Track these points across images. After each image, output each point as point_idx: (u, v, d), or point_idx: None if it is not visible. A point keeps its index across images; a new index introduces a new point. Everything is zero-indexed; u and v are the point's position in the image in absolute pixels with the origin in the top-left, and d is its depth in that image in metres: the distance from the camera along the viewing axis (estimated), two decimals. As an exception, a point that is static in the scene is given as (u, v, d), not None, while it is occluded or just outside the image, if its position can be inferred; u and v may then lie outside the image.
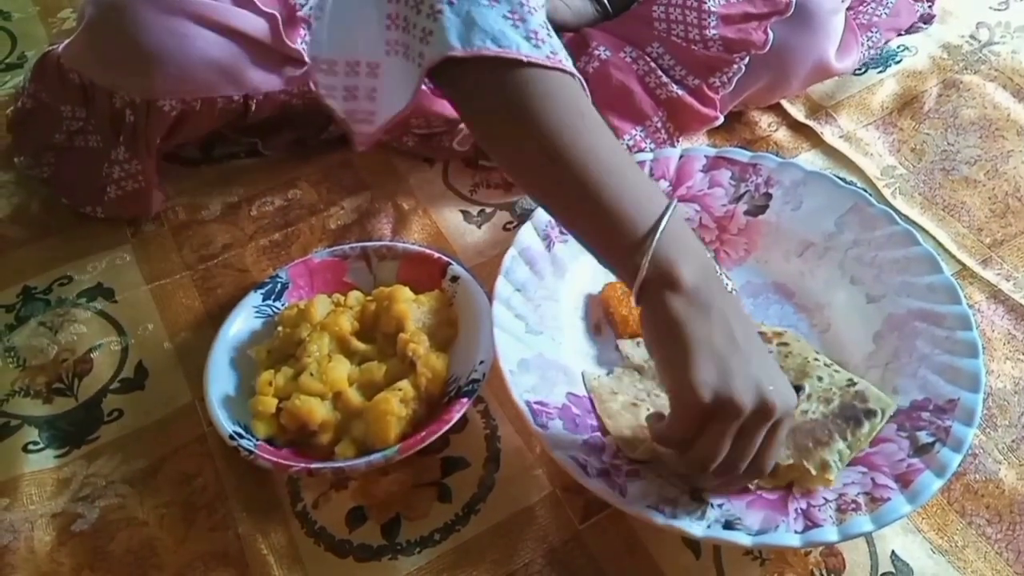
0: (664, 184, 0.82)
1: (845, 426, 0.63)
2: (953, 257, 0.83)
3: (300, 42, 0.82)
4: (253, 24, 0.80)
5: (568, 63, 0.60)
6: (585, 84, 0.62)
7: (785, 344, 0.68)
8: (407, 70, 0.62)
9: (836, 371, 0.67)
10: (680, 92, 0.89)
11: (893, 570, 0.63)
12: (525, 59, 0.57)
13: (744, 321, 0.57)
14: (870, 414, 0.63)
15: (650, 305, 0.57)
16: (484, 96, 0.60)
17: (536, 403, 0.66)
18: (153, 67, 0.78)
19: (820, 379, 0.66)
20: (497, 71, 0.58)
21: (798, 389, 0.62)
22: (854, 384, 0.65)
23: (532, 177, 0.61)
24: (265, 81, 0.82)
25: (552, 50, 0.59)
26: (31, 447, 0.72)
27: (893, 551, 0.64)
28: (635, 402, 0.69)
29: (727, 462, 0.56)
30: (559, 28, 0.93)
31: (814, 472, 0.61)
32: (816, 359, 0.68)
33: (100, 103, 0.83)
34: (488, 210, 0.89)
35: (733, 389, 0.54)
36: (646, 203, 0.57)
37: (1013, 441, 0.70)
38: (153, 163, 0.84)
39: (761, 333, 0.69)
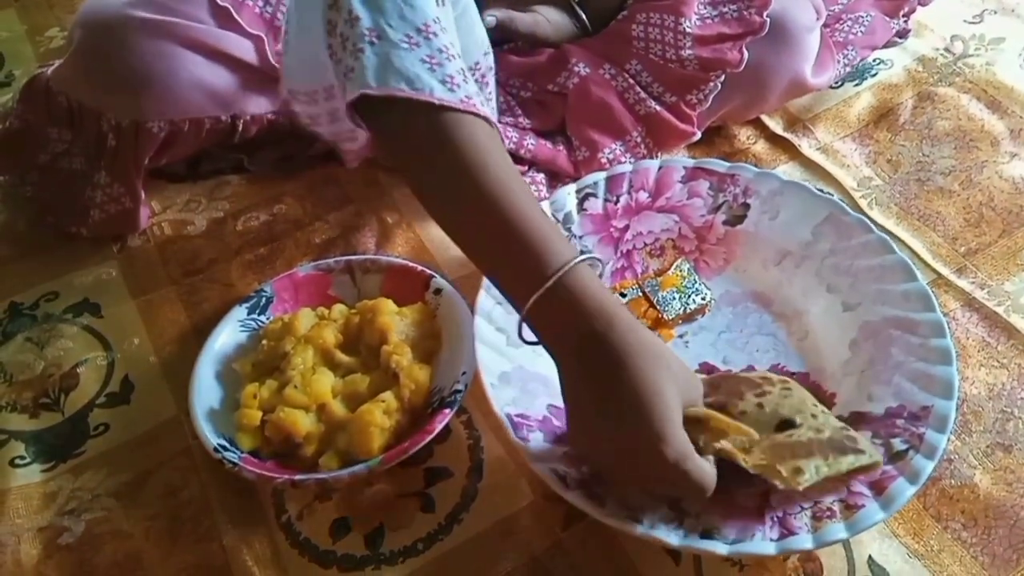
0: (644, 195, 0.83)
1: (829, 451, 0.61)
2: (928, 266, 0.85)
3: None
4: (241, 46, 0.82)
5: (483, 108, 0.61)
6: (501, 130, 0.64)
7: (788, 389, 0.66)
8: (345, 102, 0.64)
9: (831, 417, 0.65)
10: (658, 108, 0.91)
11: (870, 574, 0.64)
12: (437, 102, 0.58)
13: (637, 378, 0.55)
14: (856, 451, 0.61)
15: (549, 350, 0.59)
16: (398, 135, 0.61)
17: (517, 415, 0.66)
18: (142, 90, 0.79)
19: (814, 417, 0.64)
20: (411, 112, 0.59)
21: (790, 423, 0.63)
22: (848, 429, 0.63)
23: (441, 215, 0.62)
24: (254, 102, 0.84)
25: (467, 95, 0.60)
26: (17, 461, 0.73)
27: (870, 556, 0.65)
28: None
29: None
30: (540, 44, 0.95)
31: (784, 473, 0.59)
32: (815, 406, 0.66)
33: (87, 126, 0.84)
34: (471, 223, 0.90)
35: (627, 462, 0.57)
36: (554, 249, 0.57)
37: (988, 447, 0.71)
38: (139, 183, 0.85)
39: (765, 378, 0.67)
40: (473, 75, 0.70)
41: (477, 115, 0.60)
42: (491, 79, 0.80)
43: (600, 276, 0.63)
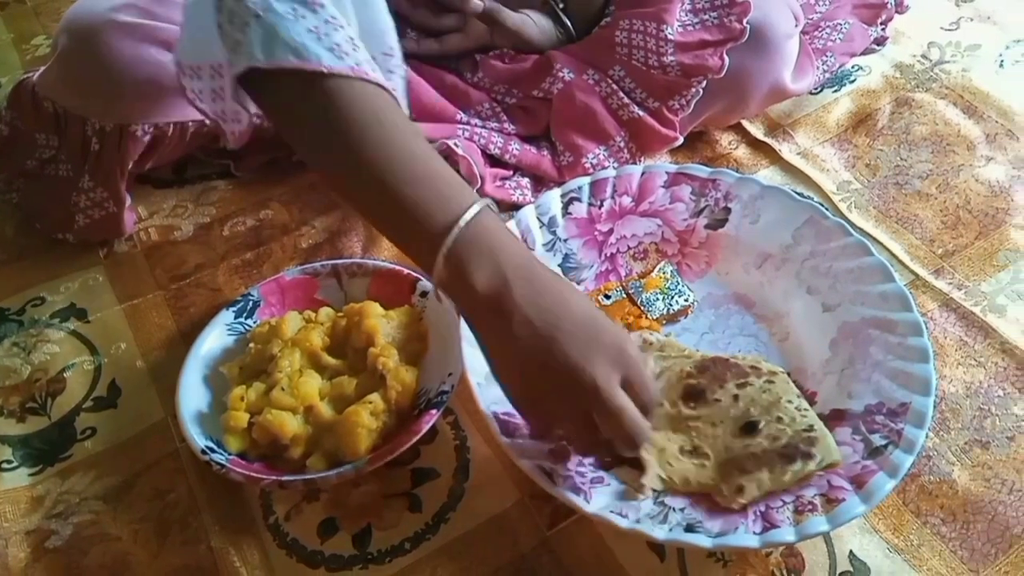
0: (627, 200, 0.84)
1: (776, 462, 0.64)
2: (906, 268, 0.86)
3: None
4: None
5: (376, 74, 0.60)
6: (398, 96, 0.63)
7: (770, 382, 0.69)
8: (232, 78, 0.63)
9: (804, 415, 0.67)
10: (641, 113, 0.92)
11: (851, 569, 0.65)
12: (327, 70, 0.58)
13: (555, 305, 0.57)
14: (806, 456, 0.63)
15: (458, 310, 0.60)
16: (290, 107, 0.61)
17: (504, 414, 0.67)
18: (125, 94, 0.80)
19: (780, 419, 0.66)
20: (301, 83, 0.58)
21: (753, 426, 0.65)
22: (812, 431, 0.65)
23: (339, 184, 0.62)
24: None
25: (356, 62, 0.59)
26: (5, 466, 0.73)
27: (851, 551, 0.66)
28: None
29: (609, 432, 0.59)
30: (524, 48, 0.96)
31: (726, 493, 0.63)
32: (790, 402, 0.68)
33: (72, 132, 0.84)
34: (457, 227, 0.91)
35: (549, 404, 0.58)
36: (451, 207, 0.57)
37: (966, 443, 0.73)
38: (123, 187, 0.86)
39: (753, 367, 0.70)
40: (385, 62, 0.70)
41: (368, 81, 0.59)
42: (399, 67, 0.77)
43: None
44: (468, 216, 0.57)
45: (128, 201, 0.88)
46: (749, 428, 0.66)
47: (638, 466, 0.64)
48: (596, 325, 0.58)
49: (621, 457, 0.63)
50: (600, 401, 0.56)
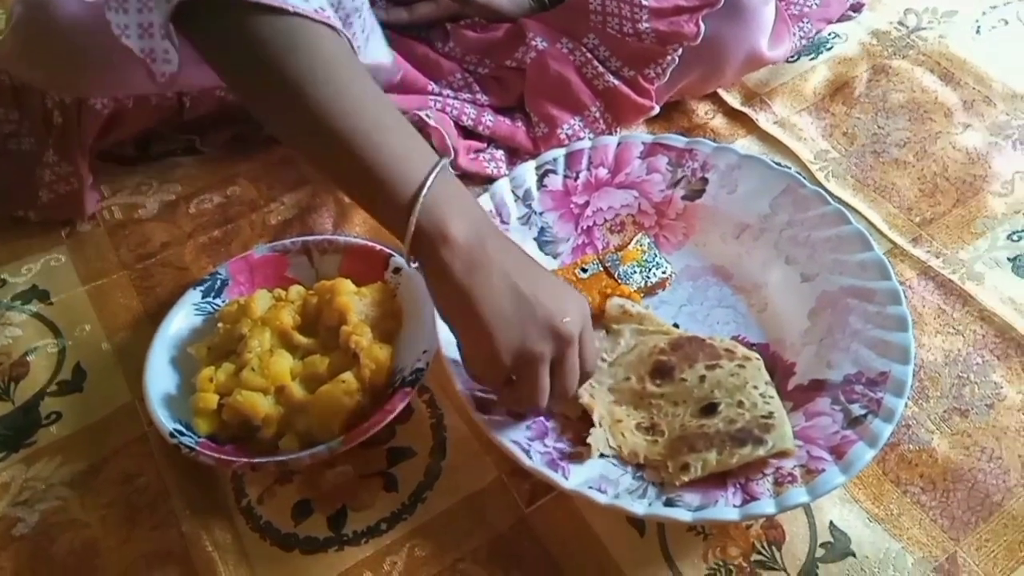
0: (603, 171, 0.83)
1: (726, 443, 0.63)
2: (885, 236, 0.86)
3: None
4: None
5: (337, 23, 0.57)
6: (355, 47, 0.60)
7: (741, 367, 0.68)
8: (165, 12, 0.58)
9: (767, 403, 0.66)
10: (616, 82, 0.91)
11: (832, 539, 0.65)
12: (291, 9, 0.54)
13: (523, 264, 0.59)
14: (757, 442, 0.63)
15: (427, 266, 0.58)
16: (241, 43, 0.56)
17: (479, 391, 0.66)
18: (81, 65, 0.77)
19: (741, 403, 0.66)
20: (258, 18, 0.54)
21: (713, 408, 0.66)
22: (770, 418, 0.64)
23: (294, 131, 0.58)
24: (196, 76, 0.81)
25: (320, 6, 0.56)
26: (-33, 453, 0.71)
27: (831, 521, 0.66)
28: None
29: (553, 392, 0.61)
30: (495, 16, 0.93)
31: (671, 470, 0.63)
32: (755, 388, 0.67)
33: (32, 104, 0.81)
34: (430, 202, 0.89)
35: (528, 343, 0.57)
36: (416, 160, 0.56)
37: (945, 412, 0.72)
38: (86, 164, 0.83)
39: (728, 351, 0.70)
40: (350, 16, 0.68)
41: (331, 27, 0.57)
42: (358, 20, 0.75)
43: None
44: (440, 167, 0.56)
45: (90, 180, 0.85)
46: (708, 409, 0.66)
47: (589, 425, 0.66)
48: (558, 280, 0.62)
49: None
50: (570, 352, 0.58)
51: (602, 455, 0.65)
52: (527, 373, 0.59)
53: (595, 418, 0.66)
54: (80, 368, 0.77)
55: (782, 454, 0.63)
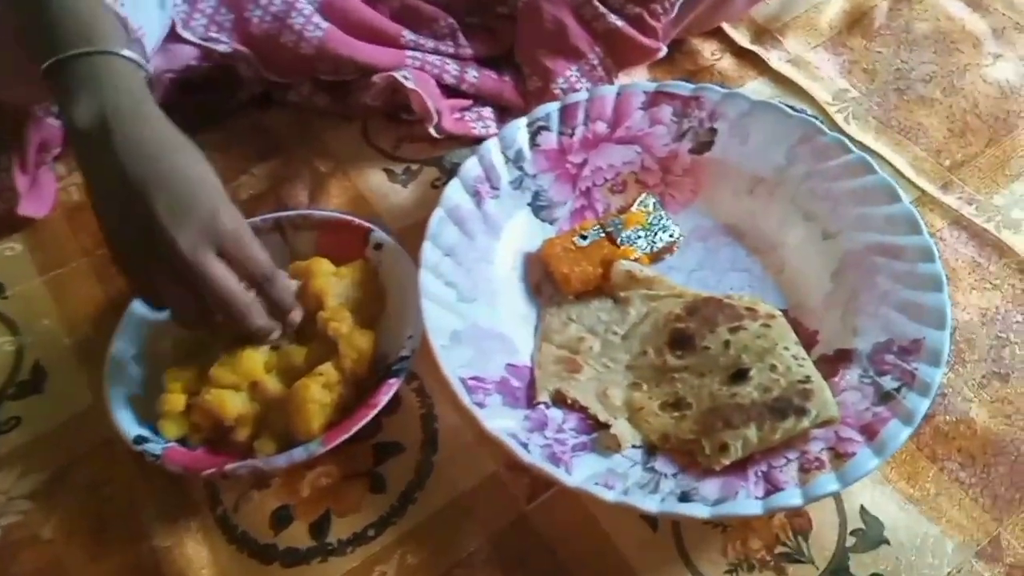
0: (602, 126, 0.76)
1: (766, 417, 0.57)
2: (912, 183, 0.79)
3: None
4: None
5: None
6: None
7: (767, 327, 0.63)
8: None
9: (800, 365, 0.60)
10: (619, 23, 0.82)
11: (863, 526, 0.59)
12: None
13: (154, 160, 0.56)
14: (800, 412, 0.57)
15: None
16: None
17: (472, 379, 0.61)
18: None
19: (774, 367, 0.60)
20: None
21: (743, 373, 0.60)
22: (808, 382, 0.59)
23: None
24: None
25: None
26: (-80, 467, 0.66)
27: (862, 506, 0.60)
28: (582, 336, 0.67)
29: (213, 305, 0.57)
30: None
31: (707, 451, 0.57)
32: (786, 349, 0.61)
33: None
34: (414, 167, 0.82)
35: (147, 257, 0.56)
36: (87, 35, 0.56)
37: (983, 377, 0.66)
38: (26, 177, 0.77)
39: (749, 309, 0.64)
40: None
41: None
42: None
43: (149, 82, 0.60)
44: (89, 50, 0.55)
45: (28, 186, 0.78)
46: (739, 376, 0.60)
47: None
48: (194, 189, 0.57)
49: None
50: (185, 268, 0.55)
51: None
52: (160, 284, 0.57)
53: (602, 418, 0.61)
54: (39, 367, 0.71)
55: (827, 422, 0.57)
